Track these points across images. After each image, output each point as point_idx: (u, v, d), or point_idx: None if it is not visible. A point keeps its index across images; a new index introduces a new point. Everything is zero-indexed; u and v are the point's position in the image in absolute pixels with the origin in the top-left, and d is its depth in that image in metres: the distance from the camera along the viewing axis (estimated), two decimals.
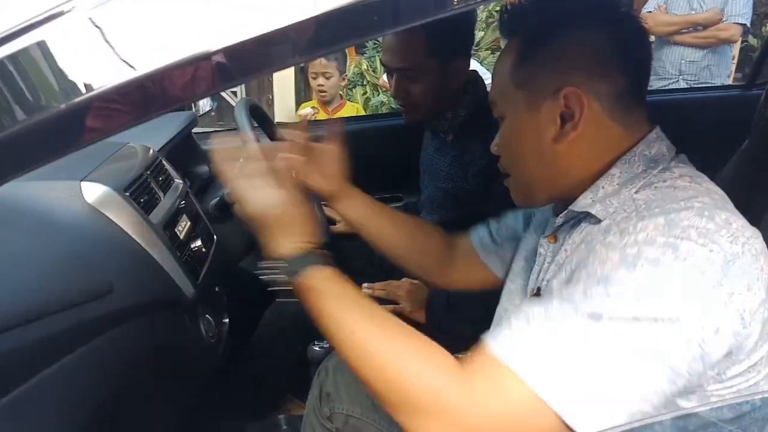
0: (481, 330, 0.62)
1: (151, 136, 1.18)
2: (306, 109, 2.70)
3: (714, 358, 0.55)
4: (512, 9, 0.73)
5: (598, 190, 0.68)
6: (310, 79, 2.58)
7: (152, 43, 0.36)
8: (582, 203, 0.69)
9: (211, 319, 1.07)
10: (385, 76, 3.73)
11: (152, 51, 0.36)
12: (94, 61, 0.36)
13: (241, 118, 1.21)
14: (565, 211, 0.72)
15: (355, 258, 1.63)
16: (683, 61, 2.74)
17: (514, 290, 0.85)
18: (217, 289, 1.18)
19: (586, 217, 0.68)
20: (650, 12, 2.80)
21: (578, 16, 0.68)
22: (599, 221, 0.66)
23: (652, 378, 0.53)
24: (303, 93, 5.11)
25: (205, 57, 0.36)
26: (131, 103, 0.38)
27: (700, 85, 2.70)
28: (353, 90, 4.34)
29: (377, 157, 1.91)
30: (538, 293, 0.75)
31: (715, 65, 2.68)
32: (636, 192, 0.65)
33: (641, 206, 0.62)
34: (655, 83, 2.86)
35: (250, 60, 0.38)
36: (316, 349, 1.23)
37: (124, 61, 0.36)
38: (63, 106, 0.36)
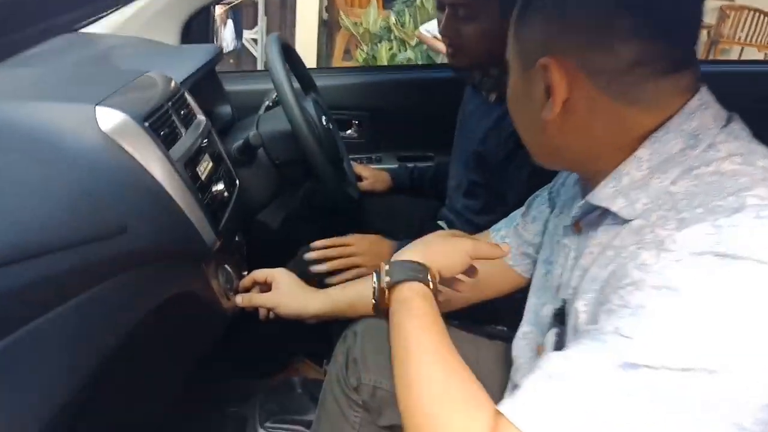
0: None
1: (172, 67, 1.07)
2: None
3: None
4: None
5: (622, 178, 0.56)
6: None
7: None
8: (601, 194, 0.57)
9: (230, 270, 0.98)
10: (421, 29, 3.57)
11: None
12: None
13: (274, 54, 1.10)
14: (582, 202, 0.61)
15: (379, 216, 1.55)
16: None
17: (537, 284, 0.77)
18: (237, 238, 1.10)
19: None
20: None
21: None
22: (627, 220, 0.55)
23: None
24: (326, 45, 4.96)
25: None
26: None
27: None
28: (379, 44, 4.17)
29: (408, 112, 1.78)
30: (563, 302, 0.66)
31: None
32: (672, 183, 0.52)
33: (681, 204, 0.50)
34: None
35: None
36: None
37: None
38: None
